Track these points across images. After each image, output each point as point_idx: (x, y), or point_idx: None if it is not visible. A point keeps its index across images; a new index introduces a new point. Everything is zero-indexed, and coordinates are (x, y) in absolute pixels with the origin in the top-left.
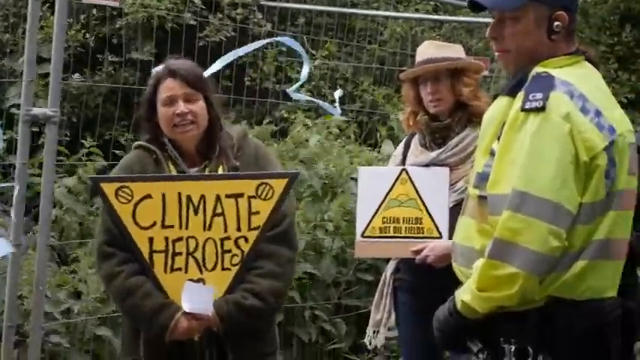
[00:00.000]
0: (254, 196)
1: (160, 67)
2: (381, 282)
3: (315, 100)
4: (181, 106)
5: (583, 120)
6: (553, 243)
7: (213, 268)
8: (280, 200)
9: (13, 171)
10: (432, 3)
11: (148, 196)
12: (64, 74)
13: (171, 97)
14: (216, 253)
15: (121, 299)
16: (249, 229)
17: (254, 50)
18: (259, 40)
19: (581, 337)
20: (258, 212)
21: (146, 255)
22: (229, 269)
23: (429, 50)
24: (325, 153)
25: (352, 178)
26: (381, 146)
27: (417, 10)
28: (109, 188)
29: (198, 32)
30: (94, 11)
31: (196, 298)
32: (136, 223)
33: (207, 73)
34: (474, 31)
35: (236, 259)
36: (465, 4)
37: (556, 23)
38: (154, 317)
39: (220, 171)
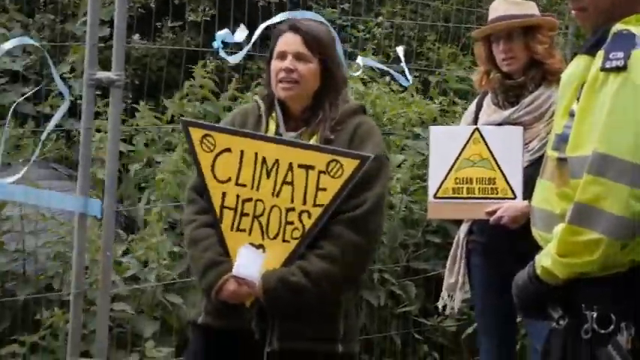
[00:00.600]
0: (324, 172)
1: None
2: (454, 245)
3: (386, 67)
4: (288, 62)
5: None
6: (636, 206)
7: (275, 237)
8: (348, 181)
9: (77, 136)
10: None
11: (228, 150)
12: (127, 37)
13: (283, 52)
14: (280, 223)
15: (188, 247)
16: (314, 204)
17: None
18: None
19: None
20: (325, 189)
21: (217, 208)
22: (289, 242)
23: (501, 7)
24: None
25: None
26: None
27: None
28: (195, 134)
29: None
30: None
31: (247, 263)
32: (214, 175)
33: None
34: None
35: (297, 233)
36: None
37: None
38: (206, 272)
39: (313, 141)
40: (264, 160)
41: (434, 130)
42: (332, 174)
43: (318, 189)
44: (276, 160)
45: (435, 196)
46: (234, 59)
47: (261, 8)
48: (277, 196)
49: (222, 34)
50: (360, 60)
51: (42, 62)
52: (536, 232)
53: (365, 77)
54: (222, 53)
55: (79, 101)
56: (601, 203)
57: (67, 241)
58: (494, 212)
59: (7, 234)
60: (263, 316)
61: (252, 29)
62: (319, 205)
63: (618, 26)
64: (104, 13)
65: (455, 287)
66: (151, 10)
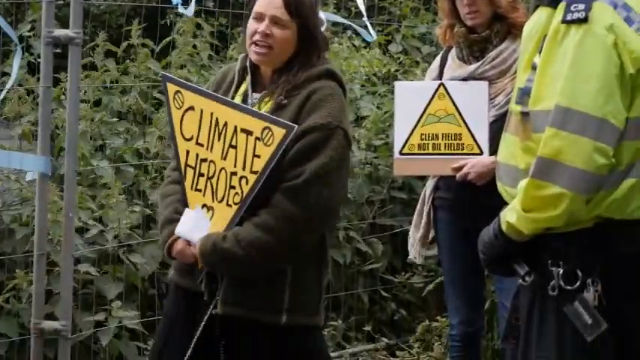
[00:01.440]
0: (259, 138)
1: None
2: (420, 201)
3: (348, 22)
4: (264, 26)
5: (628, 30)
6: (599, 160)
7: (221, 200)
8: (277, 150)
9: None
10: None
11: (192, 108)
12: None
13: (261, 13)
14: (226, 186)
15: (159, 201)
16: (251, 171)
17: None
18: None
19: (632, 259)
20: (259, 156)
21: (182, 166)
22: (231, 206)
23: None
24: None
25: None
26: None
27: None
28: (170, 89)
29: None
30: None
31: (190, 224)
32: (181, 132)
33: None
34: None
35: (237, 198)
36: None
37: None
38: (163, 228)
39: (269, 105)
40: (216, 122)
41: (399, 85)
42: (265, 141)
43: (254, 155)
44: (225, 123)
45: (400, 153)
46: (189, 11)
47: None
48: (225, 158)
49: None
50: (321, 15)
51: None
52: (502, 188)
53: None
54: (180, 8)
55: (38, 60)
56: (563, 157)
57: (28, 201)
58: (460, 168)
59: None
60: (213, 278)
61: None
62: (254, 172)
63: None
64: None
65: (420, 241)
66: None
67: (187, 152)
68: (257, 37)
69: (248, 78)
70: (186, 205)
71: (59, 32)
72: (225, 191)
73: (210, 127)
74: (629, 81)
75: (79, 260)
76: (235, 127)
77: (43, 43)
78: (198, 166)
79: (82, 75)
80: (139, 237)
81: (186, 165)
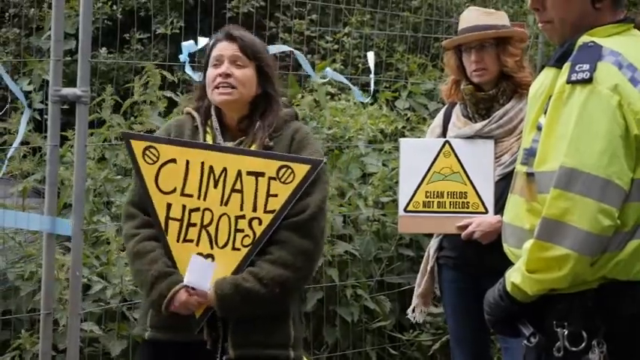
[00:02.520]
0: (274, 178)
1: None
2: (424, 259)
3: (346, 81)
4: (224, 67)
5: (633, 91)
6: (604, 222)
7: (224, 246)
8: (300, 186)
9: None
10: None
11: (173, 161)
12: (93, 50)
13: (220, 57)
14: (229, 231)
15: (131, 261)
16: (265, 211)
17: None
18: (288, 10)
19: (637, 320)
20: (276, 195)
21: (162, 220)
22: (239, 250)
23: (472, 16)
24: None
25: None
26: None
27: None
28: (137, 146)
29: (227, 3)
30: None
31: (198, 272)
32: (158, 187)
33: None
34: None
35: (247, 240)
36: None
37: None
38: (156, 283)
39: (253, 148)
40: (211, 169)
41: (404, 142)
42: (283, 180)
43: (268, 195)
44: (224, 169)
45: (405, 210)
46: (196, 76)
47: (228, 19)
48: (226, 204)
49: (187, 44)
50: (317, 73)
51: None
52: (508, 249)
53: (332, 90)
54: (188, 69)
55: (45, 116)
56: (568, 218)
57: (33, 259)
58: (465, 227)
59: None
60: (213, 325)
61: None
62: (270, 212)
63: (584, 38)
64: (70, 25)
65: (423, 300)
66: (118, 22)
67: (169, 205)
68: (219, 79)
69: (215, 125)
70: (170, 259)
71: (67, 91)
72: (229, 236)
73: (202, 175)
74: (633, 142)
75: (84, 317)
76: (239, 172)
77: (51, 101)
78: (186, 217)
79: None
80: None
81: (168, 218)
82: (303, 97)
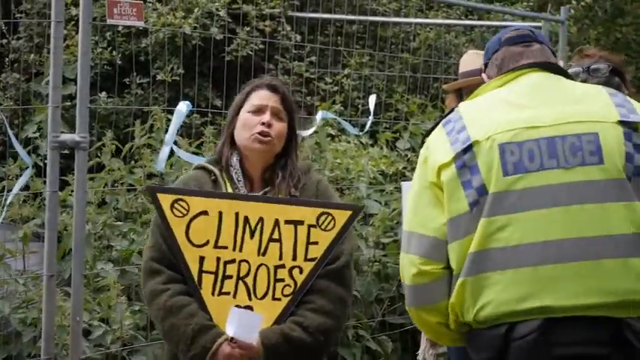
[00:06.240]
0: (314, 226)
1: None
2: None
3: (338, 117)
4: (267, 117)
5: (440, 142)
6: (411, 270)
7: (264, 297)
8: (341, 233)
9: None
10: (461, 8)
11: (204, 213)
12: (92, 95)
13: (262, 106)
14: (268, 281)
15: (162, 318)
16: (306, 259)
17: None
18: (287, 52)
19: None
20: (316, 243)
21: (195, 274)
22: (280, 299)
23: (473, 60)
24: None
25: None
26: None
27: (448, 15)
28: (165, 200)
29: (226, 46)
30: (120, 28)
31: (243, 324)
32: (189, 240)
33: None
34: None
35: (288, 290)
36: (494, 7)
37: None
38: (196, 338)
39: None
40: (246, 220)
41: (405, 185)
42: (323, 227)
43: (309, 243)
44: (260, 219)
45: None
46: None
47: (227, 63)
48: (264, 254)
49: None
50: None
51: (10, 122)
52: None
53: (332, 132)
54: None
55: (46, 161)
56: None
57: (35, 304)
58: None
59: None
60: None
61: (218, 84)
62: (311, 260)
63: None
64: (69, 70)
65: (431, 341)
66: (117, 66)
67: (201, 258)
68: (261, 127)
69: (239, 177)
70: (205, 312)
71: (65, 137)
72: (268, 286)
73: (237, 226)
74: (435, 188)
75: None
76: (277, 221)
77: (50, 147)
78: (220, 269)
79: (87, 177)
80: (143, 338)
81: (202, 272)
82: (303, 139)
